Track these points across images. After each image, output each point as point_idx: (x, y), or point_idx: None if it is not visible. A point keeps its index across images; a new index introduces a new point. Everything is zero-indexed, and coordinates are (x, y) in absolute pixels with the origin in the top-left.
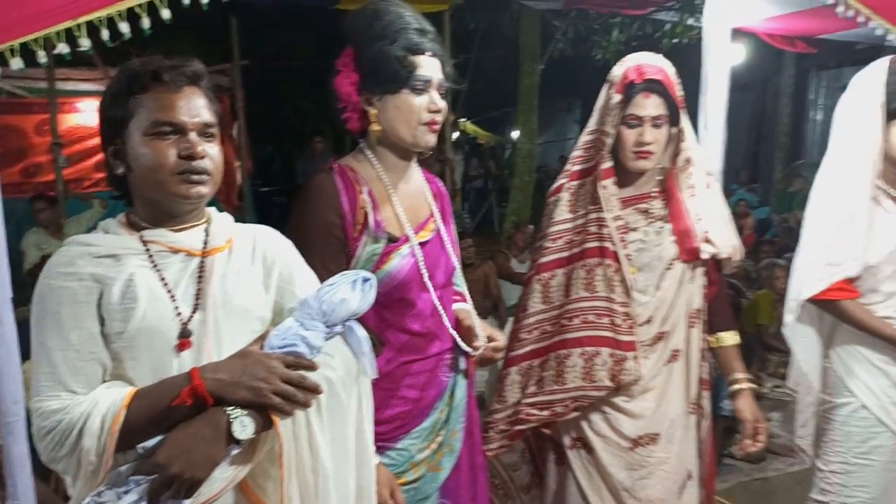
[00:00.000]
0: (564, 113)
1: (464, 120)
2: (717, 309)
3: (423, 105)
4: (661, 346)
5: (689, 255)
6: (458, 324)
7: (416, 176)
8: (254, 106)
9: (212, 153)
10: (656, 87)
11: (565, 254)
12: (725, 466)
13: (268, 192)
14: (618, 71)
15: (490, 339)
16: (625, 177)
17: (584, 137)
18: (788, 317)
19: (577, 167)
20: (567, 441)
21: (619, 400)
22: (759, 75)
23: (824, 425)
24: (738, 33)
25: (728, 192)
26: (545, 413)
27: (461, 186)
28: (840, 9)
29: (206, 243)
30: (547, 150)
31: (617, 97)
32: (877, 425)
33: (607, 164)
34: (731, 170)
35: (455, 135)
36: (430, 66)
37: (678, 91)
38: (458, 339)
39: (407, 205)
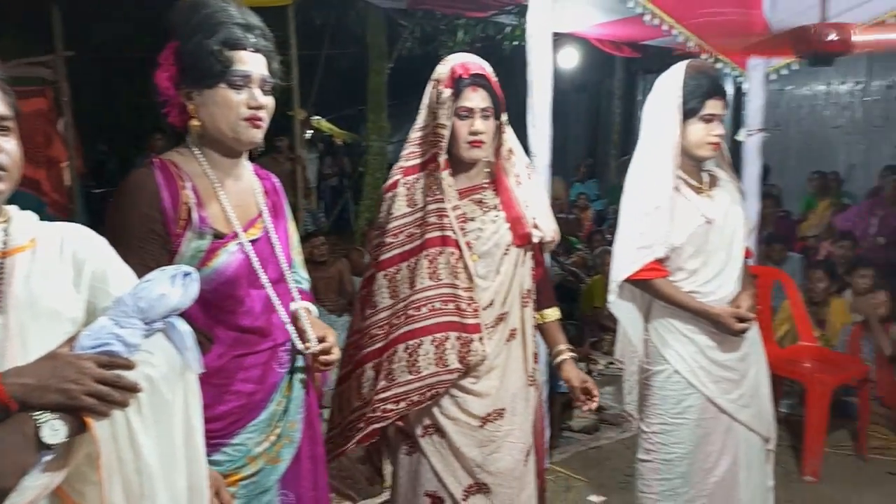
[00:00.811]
0: (417, 112)
1: (318, 118)
2: (541, 288)
3: (241, 101)
4: (501, 327)
5: (522, 240)
6: (294, 321)
7: (245, 172)
8: (84, 101)
9: (7, 148)
10: (481, 81)
11: (407, 247)
12: (564, 438)
13: (102, 193)
14: (443, 69)
15: (321, 340)
16: (458, 169)
17: (415, 134)
18: (611, 296)
19: (411, 162)
20: (419, 430)
21: (466, 382)
22: (593, 78)
23: (645, 391)
24: (571, 38)
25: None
26: (402, 405)
27: (316, 185)
28: (647, 17)
29: (4, 243)
30: (401, 149)
31: (448, 91)
32: (688, 388)
33: (446, 156)
34: (571, 166)
35: (309, 133)
36: (251, 62)
37: (498, 87)
38: (294, 336)
39: (236, 201)
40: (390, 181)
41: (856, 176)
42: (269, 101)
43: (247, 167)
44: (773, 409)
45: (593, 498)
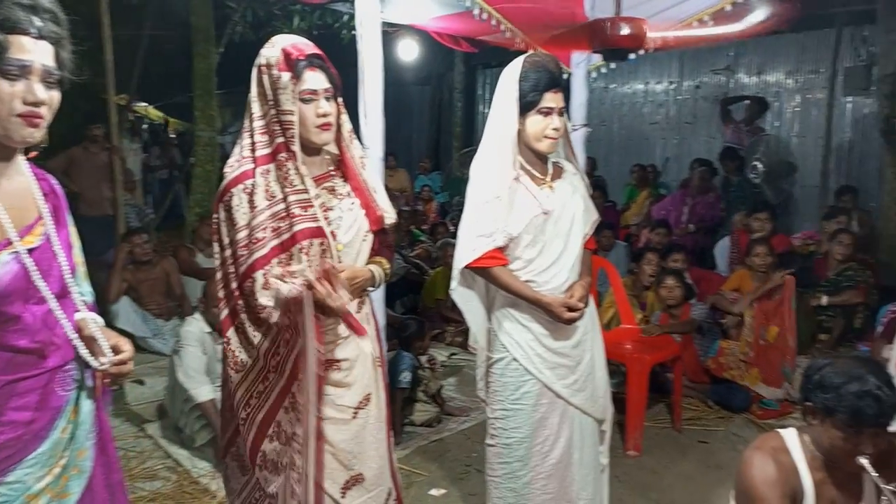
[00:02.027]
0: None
1: (144, 104)
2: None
3: (16, 94)
4: (361, 314)
5: (377, 224)
6: (81, 333)
7: (21, 173)
8: None
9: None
10: (318, 61)
11: (276, 241)
12: (406, 434)
13: None
14: (272, 52)
15: (116, 351)
16: (305, 157)
17: (256, 123)
18: (454, 283)
19: (259, 153)
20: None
21: (339, 376)
22: (435, 71)
23: (489, 378)
24: (411, 30)
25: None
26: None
27: (142, 177)
28: (476, 11)
29: None
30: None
31: (286, 75)
32: (525, 374)
33: (299, 144)
34: (416, 158)
35: (133, 118)
36: (33, 50)
37: (333, 67)
38: (83, 352)
39: (9, 205)
40: (239, 172)
41: (671, 168)
42: (51, 97)
43: (22, 165)
44: (609, 391)
45: (434, 492)
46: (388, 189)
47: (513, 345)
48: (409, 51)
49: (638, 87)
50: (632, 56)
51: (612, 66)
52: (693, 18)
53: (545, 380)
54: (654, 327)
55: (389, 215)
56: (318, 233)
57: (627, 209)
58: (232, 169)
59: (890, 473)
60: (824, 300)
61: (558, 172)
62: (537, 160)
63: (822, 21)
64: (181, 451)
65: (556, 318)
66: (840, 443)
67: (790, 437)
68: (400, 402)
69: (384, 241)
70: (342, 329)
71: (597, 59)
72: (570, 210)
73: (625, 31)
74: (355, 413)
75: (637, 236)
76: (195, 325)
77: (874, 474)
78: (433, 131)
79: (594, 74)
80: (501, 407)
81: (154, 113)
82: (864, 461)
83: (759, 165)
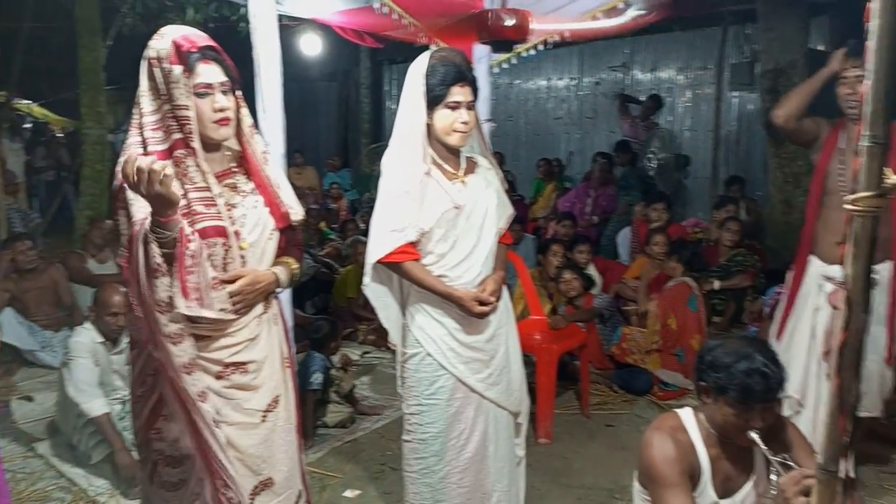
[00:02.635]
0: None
1: (27, 102)
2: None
3: None
4: (268, 314)
5: (282, 221)
6: None
7: None
8: None
9: None
10: (212, 53)
11: None
12: (319, 436)
13: None
14: (161, 44)
15: None
16: (205, 153)
17: (147, 118)
18: (366, 279)
19: (152, 149)
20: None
21: (246, 379)
22: (341, 67)
23: (404, 374)
24: (315, 25)
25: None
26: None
27: (26, 179)
28: (377, 5)
29: None
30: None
31: (178, 68)
32: (439, 369)
33: (199, 140)
34: (324, 155)
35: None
36: None
37: (229, 59)
38: None
39: None
40: None
41: (574, 162)
42: None
43: None
44: (525, 384)
45: (348, 493)
46: (296, 187)
47: (426, 340)
48: (312, 46)
49: (541, 84)
50: (532, 51)
51: (514, 61)
52: (587, 15)
53: (459, 374)
54: (559, 319)
55: (296, 212)
56: (221, 231)
57: (535, 203)
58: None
59: (778, 445)
60: (716, 285)
61: (472, 167)
62: (450, 155)
63: (709, 20)
64: (76, 469)
65: (468, 312)
66: (732, 419)
67: (686, 416)
68: (312, 404)
69: (292, 239)
70: (249, 331)
71: (498, 54)
72: (482, 205)
73: (509, 21)
74: (264, 416)
75: (545, 229)
76: (86, 336)
77: (763, 447)
78: (341, 128)
79: (496, 69)
80: (416, 402)
81: (38, 111)
82: (754, 435)
83: (654, 158)
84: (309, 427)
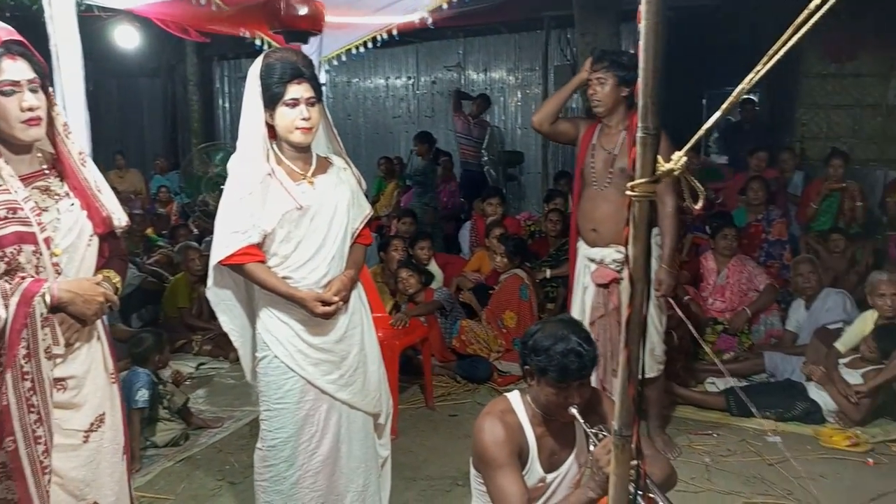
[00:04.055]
0: None
1: None
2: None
3: None
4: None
5: (102, 226)
6: None
7: None
8: None
9: None
10: (18, 48)
11: None
12: (148, 458)
13: None
14: None
15: None
16: (10, 154)
17: None
18: (209, 281)
19: None
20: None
21: (65, 397)
22: (165, 62)
23: (258, 379)
24: (131, 16)
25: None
26: None
27: None
28: None
29: None
30: None
31: None
32: (287, 372)
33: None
34: (151, 157)
35: None
36: None
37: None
38: None
39: None
40: None
41: (415, 160)
42: None
43: None
44: (386, 384)
45: None
46: (118, 192)
47: (273, 342)
48: (129, 38)
49: (379, 82)
50: (361, 49)
51: (343, 58)
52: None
53: (308, 376)
54: (400, 317)
55: (119, 217)
56: (27, 238)
57: (377, 201)
58: None
59: (596, 418)
60: (548, 273)
61: (324, 167)
62: (298, 154)
63: (533, 24)
64: None
65: (311, 312)
66: (553, 398)
67: (514, 398)
68: (138, 423)
69: (114, 249)
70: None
71: (329, 50)
72: (330, 205)
73: (302, 11)
74: (86, 436)
75: (388, 227)
76: None
77: (581, 420)
78: (168, 127)
79: (326, 66)
80: (266, 407)
81: None
82: (573, 411)
83: (486, 154)
84: (135, 448)
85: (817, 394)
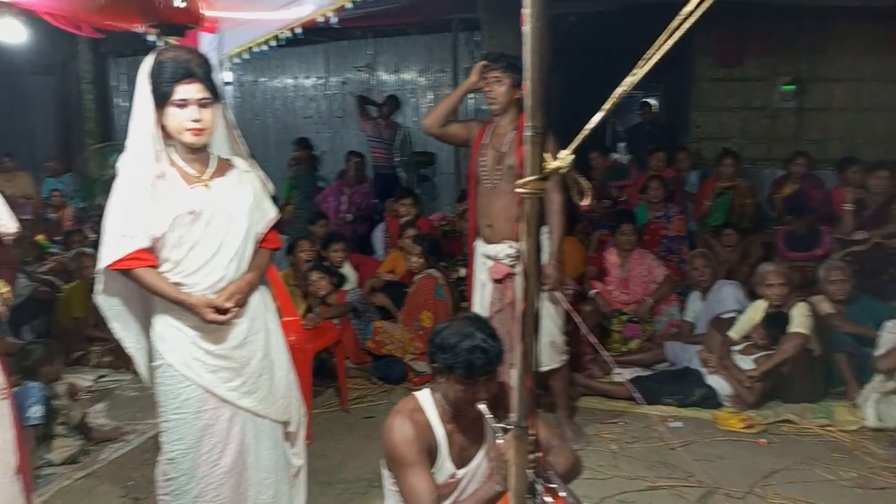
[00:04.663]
0: None
1: None
2: None
3: None
4: None
5: None
6: None
7: None
8: None
9: None
10: None
11: None
12: (43, 478)
13: None
14: None
15: None
16: None
17: None
18: (98, 287)
19: None
20: None
21: None
22: (57, 59)
23: (155, 390)
24: (15, 9)
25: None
26: None
27: None
28: None
29: None
30: None
31: None
32: (184, 381)
33: None
34: (42, 159)
35: None
36: None
37: None
38: None
39: None
40: None
41: (327, 161)
42: None
43: None
44: (297, 390)
45: None
46: (6, 196)
47: (168, 350)
48: (14, 33)
49: (288, 82)
50: (264, 47)
51: (246, 56)
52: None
53: (206, 384)
54: (313, 317)
55: (6, 224)
56: None
57: (288, 203)
58: None
59: (503, 412)
60: (462, 272)
61: (224, 169)
62: (194, 156)
63: (442, 26)
64: None
65: (203, 319)
66: (461, 394)
67: (423, 396)
68: (33, 441)
69: (2, 257)
70: None
71: (231, 47)
72: (227, 209)
73: (179, 3)
74: None
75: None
76: None
77: (489, 415)
78: (61, 127)
79: (228, 64)
80: (164, 419)
81: None
82: (481, 406)
83: (398, 156)
84: (30, 467)
85: (714, 380)
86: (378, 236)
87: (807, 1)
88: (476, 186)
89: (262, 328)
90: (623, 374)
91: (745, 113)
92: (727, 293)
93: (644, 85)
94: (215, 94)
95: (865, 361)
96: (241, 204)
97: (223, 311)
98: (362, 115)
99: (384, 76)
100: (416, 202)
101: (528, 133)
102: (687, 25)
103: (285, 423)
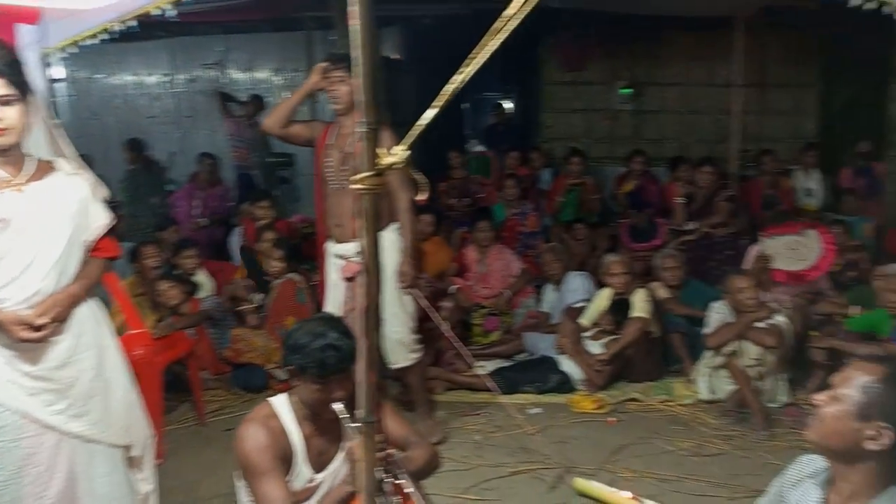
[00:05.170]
0: None
1: None
2: None
3: None
4: None
5: None
6: None
7: None
8: None
9: None
10: None
11: None
12: None
13: None
14: None
15: None
16: None
17: None
18: None
19: None
20: None
21: None
22: None
23: None
24: None
25: None
26: None
27: None
28: None
29: None
30: None
31: None
32: None
33: None
34: None
35: None
36: None
37: None
38: None
39: None
40: None
41: (178, 163)
42: None
43: None
44: (140, 410)
45: None
46: None
47: None
48: None
49: (128, 79)
50: (94, 40)
51: (75, 50)
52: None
53: (25, 409)
54: (164, 326)
55: None
56: None
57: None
58: None
59: None
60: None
61: (44, 172)
62: (4, 159)
63: (296, 24)
64: None
65: (11, 337)
66: (317, 395)
67: (279, 401)
68: None
69: None
70: None
71: (56, 40)
72: (45, 215)
73: None
74: None
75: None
76: None
77: (345, 415)
78: None
79: (54, 59)
80: None
81: None
82: (337, 406)
83: (256, 157)
84: None
85: (568, 365)
86: (235, 241)
87: (639, 10)
88: (324, 187)
89: (93, 345)
90: (485, 367)
91: (589, 114)
92: (577, 284)
93: (500, 87)
94: (23, 91)
95: (697, 340)
96: (63, 210)
97: (37, 328)
98: (224, 113)
99: (236, 74)
100: (274, 204)
101: (361, 129)
102: (511, 28)
103: (127, 447)
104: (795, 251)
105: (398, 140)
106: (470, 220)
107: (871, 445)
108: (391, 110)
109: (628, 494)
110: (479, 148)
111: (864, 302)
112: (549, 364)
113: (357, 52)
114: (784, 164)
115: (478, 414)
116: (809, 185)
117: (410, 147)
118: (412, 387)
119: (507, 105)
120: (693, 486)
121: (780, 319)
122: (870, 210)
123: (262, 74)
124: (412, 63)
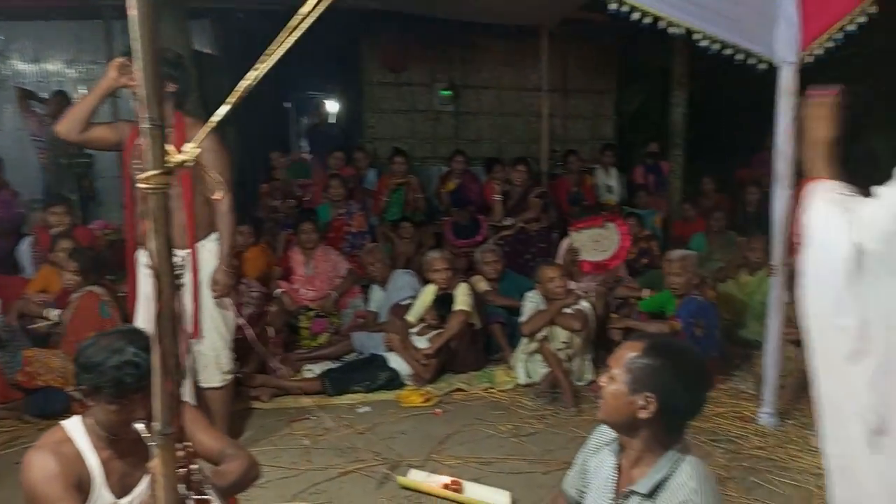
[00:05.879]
0: None
1: None
2: None
3: None
4: None
5: None
6: None
7: None
8: None
9: None
10: None
11: None
12: None
13: None
14: None
15: None
16: None
17: None
18: None
19: None
20: None
21: None
22: None
23: None
24: None
25: None
26: None
27: None
28: None
29: None
30: None
31: None
32: None
33: None
34: None
35: None
36: None
37: None
38: None
39: None
40: None
41: None
42: None
43: None
44: None
45: None
46: None
47: None
48: None
49: None
50: None
51: None
52: None
53: None
54: None
55: None
56: None
57: None
58: None
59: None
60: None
61: None
62: None
63: (92, 12)
64: None
65: None
66: (115, 415)
67: (72, 425)
68: None
69: None
70: None
71: None
72: None
73: None
74: None
75: None
76: None
77: (147, 435)
78: None
79: None
80: None
81: None
82: (139, 426)
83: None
84: None
85: (396, 362)
86: (25, 251)
87: (453, 16)
88: (134, 191)
89: None
90: (313, 370)
91: (412, 115)
92: (404, 282)
93: (322, 87)
94: None
95: (516, 329)
96: None
97: None
98: (25, 111)
99: (20, 65)
100: (71, 210)
101: (145, 125)
102: (306, 25)
103: None
104: (598, 243)
105: (219, 136)
106: (294, 221)
107: (642, 414)
108: (204, 106)
109: (446, 480)
110: (302, 152)
111: (654, 285)
112: (377, 362)
113: (136, 43)
114: (587, 163)
115: (306, 418)
116: (609, 182)
117: (201, 144)
118: (215, 414)
119: (329, 105)
120: (513, 465)
121: (584, 305)
122: (659, 204)
123: (52, 66)
124: (226, 58)
